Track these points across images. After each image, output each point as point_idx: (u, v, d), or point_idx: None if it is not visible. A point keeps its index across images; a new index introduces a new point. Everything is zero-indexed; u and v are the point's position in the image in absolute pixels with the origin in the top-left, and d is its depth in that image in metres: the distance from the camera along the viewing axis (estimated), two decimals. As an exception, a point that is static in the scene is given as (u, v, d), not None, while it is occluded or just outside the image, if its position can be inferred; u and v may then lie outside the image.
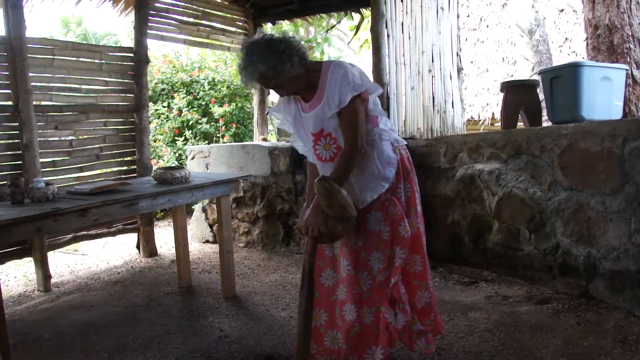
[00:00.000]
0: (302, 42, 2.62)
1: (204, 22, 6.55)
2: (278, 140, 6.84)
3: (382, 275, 2.69)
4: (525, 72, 8.96)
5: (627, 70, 4.78)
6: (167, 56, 10.31)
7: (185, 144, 8.63)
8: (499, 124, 5.90)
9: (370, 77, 5.20)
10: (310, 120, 2.65)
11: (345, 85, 2.49)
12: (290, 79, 2.52)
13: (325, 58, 13.37)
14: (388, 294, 2.70)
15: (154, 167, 6.05)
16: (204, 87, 9.39)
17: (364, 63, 13.10)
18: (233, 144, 7.17)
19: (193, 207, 6.84)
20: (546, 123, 5.41)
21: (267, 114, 7.22)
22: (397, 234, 2.68)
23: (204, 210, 6.53)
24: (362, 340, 2.71)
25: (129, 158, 5.78)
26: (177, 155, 8.72)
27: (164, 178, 3.96)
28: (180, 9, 6.25)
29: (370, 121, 2.67)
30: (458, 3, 6.46)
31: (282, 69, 2.46)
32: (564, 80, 4.42)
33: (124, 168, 5.76)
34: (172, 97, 9.33)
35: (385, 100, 5.18)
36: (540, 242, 4.17)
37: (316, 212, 2.49)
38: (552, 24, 10.27)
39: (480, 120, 10.49)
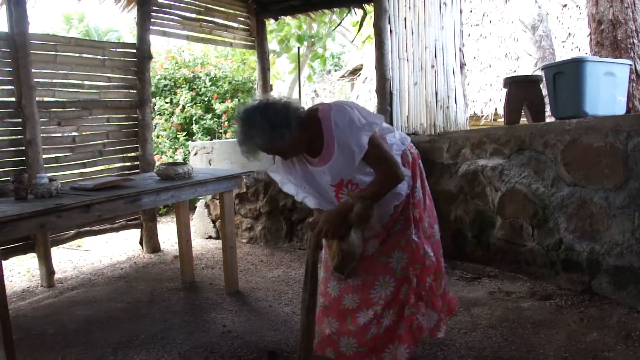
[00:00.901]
0: (297, 103, 2.53)
1: (206, 17, 6.54)
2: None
3: (414, 278, 2.67)
4: (528, 67, 8.94)
5: (630, 65, 4.76)
6: (170, 52, 10.32)
7: (189, 140, 8.62)
8: (502, 119, 5.89)
9: (374, 73, 5.21)
10: (325, 174, 2.57)
11: (357, 132, 2.40)
12: (290, 145, 2.44)
13: (327, 54, 13.33)
14: (417, 294, 2.69)
15: (157, 163, 6.06)
16: (205, 83, 9.40)
17: (367, 59, 13.08)
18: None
19: (196, 203, 6.84)
20: (549, 119, 5.40)
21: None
22: (424, 234, 2.71)
23: (207, 206, 6.54)
24: (380, 341, 2.67)
25: (132, 154, 5.79)
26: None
27: (167, 174, 3.96)
28: (183, 5, 6.25)
29: None
30: (461, -2, 6.45)
31: (281, 140, 2.37)
32: (567, 76, 4.41)
33: (127, 164, 5.76)
34: (175, 93, 9.34)
35: (388, 96, 5.17)
36: (543, 237, 4.17)
37: (338, 215, 2.48)
38: (555, 19, 10.24)
39: (483, 116, 10.46)
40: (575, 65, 4.34)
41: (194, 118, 9.02)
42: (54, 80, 5.05)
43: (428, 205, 2.88)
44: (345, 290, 2.75)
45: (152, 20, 5.79)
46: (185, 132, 8.92)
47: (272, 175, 2.83)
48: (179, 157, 8.58)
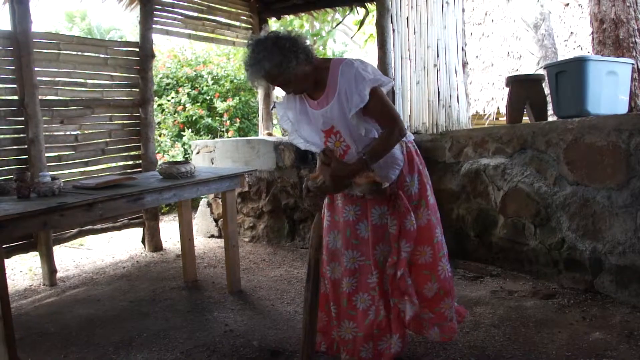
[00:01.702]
0: (308, 40, 2.63)
1: (209, 16, 6.54)
2: (283, 135, 6.83)
3: (391, 269, 2.71)
4: (530, 66, 8.94)
5: (633, 64, 4.75)
6: (172, 51, 10.32)
7: (191, 139, 8.65)
8: (504, 118, 5.89)
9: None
10: (319, 117, 2.66)
11: (361, 82, 2.49)
12: (296, 77, 2.52)
13: (329, 53, 13.32)
14: (397, 286, 2.71)
15: (159, 162, 6.06)
16: (207, 82, 9.40)
17: (369, 57, 13.06)
18: (238, 138, 7.18)
19: (198, 202, 6.85)
20: (552, 117, 5.40)
21: (272, 109, 7.22)
22: (403, 227, 2.70)
23: (209, 204, 6.54)
24: (377, 329, 2.73)
25: (134, 152, 5.79)
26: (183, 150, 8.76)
27: (170, 172, 3.96)
28: (185, 4, 6.24)
29: None
30: (463, -3, 6.44)
31: (287, 66, 2.45)
32: (569, 75, 4.40)
33: (130, 162, 5.77)
34: (177, 92, 9.35)
35: (390, 95, 5.17)
36: (546, 236, 4.16)
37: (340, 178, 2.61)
38: (557, 18, 10.24)
39: (485, 115, 10.47)
40: (578, 64, 4.33)
41: (194, 118, 9.03)
42: (57, 79, 5.05)
43: (431, 204, 2.87)
44: (346, 273, 2.81)
45: (154, 19, 5.79)
46: (184, 131, 8.94)
47: (277, 107, 2.92)
48: (187, 156, 8.59)
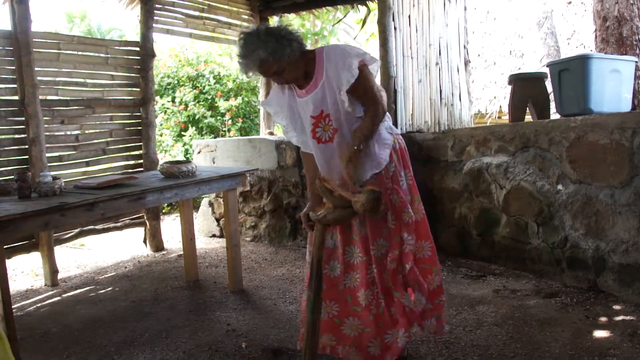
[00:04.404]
0: (299, 32, 2.68)
1: (209, 15, 6.53)
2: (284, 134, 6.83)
3: (392, 263, 2.69)
4: (533, 64, 8.93)
5: (636, 62, 4.73)
6: (173, 50, 10.31)
7: (192, 139, 8.65)
8: (507, 117, 5.87)
9: (377, 71, 5.18)
10: (309, 103, 2.68)
11: (348, 58, 2.53)
12: (289, 65, 2.56)
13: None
14: (401, 280, 2.71)
15: (161, 161, 6.05)
16: (209, 81, 9.40)
17: (370, 56, 13.02)
18: (240, 137, 7.17)
19: (200, 202, 6.84)
20: (554, 116, 5.38)
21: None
22: (402, 220, 2.71)
23: (211, 204, 6.53)
24: (382, 323, 2.73)
25: (135, 152, 5.78)
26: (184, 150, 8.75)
27: (171, 172, 3.95)
28: (186, 3, 6.23)
29: None
30: (465, -5, 6.41)
31: (282, 53, 2.50)
32: (572, 73, 4.38)
33: (131, 162, 5.76)
34: (179, 91, 9.35)
35: (392, 94, 5.15)
36: (549, 235, 4.15)
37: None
38: (560, 16, 10.21)
39: (487, 114, 10.45)
40: (581, 62, 4.31)
41: (195, 117, 9.02)
42: (57, 79, 5.05)
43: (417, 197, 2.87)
44: (349, 268, 2.79)
45: (155, 18, 5.77)
46: (185, 131, 8.95)
47: (265, 107, 2.93)
48: (188, 155, 8.59)
